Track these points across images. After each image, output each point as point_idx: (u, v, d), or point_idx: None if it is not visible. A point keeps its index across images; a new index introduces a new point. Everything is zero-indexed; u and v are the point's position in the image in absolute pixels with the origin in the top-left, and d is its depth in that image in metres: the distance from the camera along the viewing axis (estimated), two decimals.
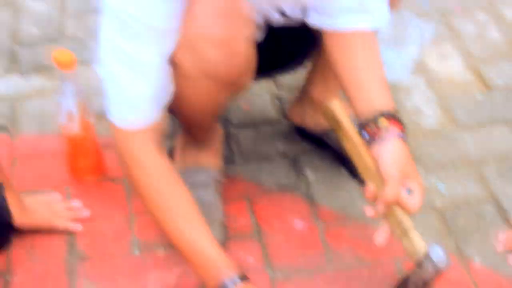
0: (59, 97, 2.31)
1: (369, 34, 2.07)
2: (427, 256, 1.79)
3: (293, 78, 2.62)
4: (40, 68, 2.82)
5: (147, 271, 2.14)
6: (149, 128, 1.97)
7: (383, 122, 1.89)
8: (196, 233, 1.97)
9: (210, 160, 2.38)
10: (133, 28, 1.87)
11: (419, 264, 1.79)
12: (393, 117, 1.90)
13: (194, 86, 2.04)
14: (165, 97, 1.98)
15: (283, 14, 2.20)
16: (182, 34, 1.95)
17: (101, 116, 2.15)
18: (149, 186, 2.01)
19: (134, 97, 1.96)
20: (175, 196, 2.01)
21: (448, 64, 2.82)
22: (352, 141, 1.99)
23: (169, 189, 2.01)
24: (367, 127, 1.90)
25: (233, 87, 2.11)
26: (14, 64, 2.87)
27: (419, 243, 1.81)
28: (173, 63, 1.98)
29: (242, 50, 2.00)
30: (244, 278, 1.89)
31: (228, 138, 2.54)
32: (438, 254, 1.79)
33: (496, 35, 2.95)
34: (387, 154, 1.87)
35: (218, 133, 2.43)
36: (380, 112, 1.89)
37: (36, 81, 2.79)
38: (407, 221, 1.83)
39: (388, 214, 1.90)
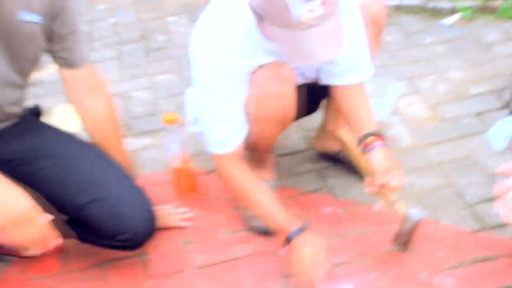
0: (167, 143, 2.49)
1: (360, 84, 2.26)
2: (407, 214, 2.09)
3: (311, 121, 2.73)
4: (146, 132, 2.96)
5: (232, 245, 2.34)
6: (235, 152, 2.18)
7: (370, 138, 2.15)
8: (272, 208, 2.18)
9: (268, 174, 2.52)
10: (221, 95, 2.08)
11: (404, 219, 2.11)
12: (377, 134, 2.16)
13: (260, 126, 2.22)
14: (244, 132, 2.17)
15: (303, 76, 2.31)
16: (250, 92, 2.12)
17: (195, 154, 2.56)
18: (240, 186, 2.22)
19: (225, 136, 2.16)
20: (259, 190, 2.22)
21: (413, 108, 2.91)
22: (354, 154, 2.29)
23: (254, 186, 2.21)
24: (362, 143, 2.17)
25: (284, 124, 2.27)
26: (129, 131, 2.97)
27: (402, 208, 2.11)
28: (246, 111, 2.16)
29: (289, 102, 2.17)
30: (302, 229, 2.11)
31: (276, 163, 2.62)
32: (415, 213, 2.10)
33: (444, 88, 3.01)
34: (374, 157, 2.14)
35: (272, 158, 2.57)
36: (368, 132, 2.16)
37: (144, 141, 2.92)
38: (392, 196, 2.12)
39: (381, 193, 2.15)
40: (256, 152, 2.46)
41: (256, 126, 2.23)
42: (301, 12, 1.71)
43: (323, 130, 2.64)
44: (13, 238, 1.81)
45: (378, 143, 2.16)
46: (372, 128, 2.19)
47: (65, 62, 2.15)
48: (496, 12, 3.45)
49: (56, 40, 2.08)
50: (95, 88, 2.24)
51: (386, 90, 3.03)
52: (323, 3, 1.72)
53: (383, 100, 2.97)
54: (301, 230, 2.12)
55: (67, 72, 2.16)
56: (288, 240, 2.12)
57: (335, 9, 1.81)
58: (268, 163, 2.55)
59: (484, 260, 2.13)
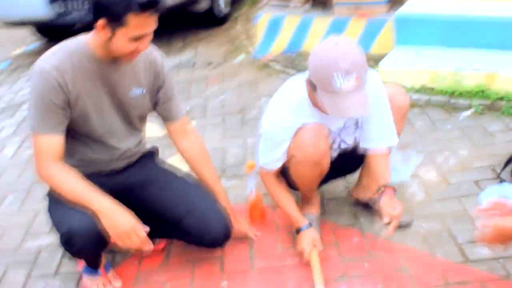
0: (247, 183, 2.69)
1: (386, 149, 2.42)
2: None
3: (351, 178, 2.83)
4: (235, 175, 3.14)
5: (283, 258, 2.49)
6: (273, 171, 2.43)
7: (381, 188, 2.34)
8: (291, 208, 2.47)
9: (312, 209, 2.63)
10: (273, 141, 2.34)
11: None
12: (387, 186, 2.34)
13: (301, 166, 2.35)
14: (280, 164, 2.39)
15: (344, 143, 2.47)
16: (294, 141, 2.31)
17: (266, 193, 2.63)
18: (273, 190, 2.48)
19: (271, 162, 2.39)
20: (284, 195, 2.48)
21: (428, 174, 2.95)
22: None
23: (281, 192, 2.48)
24: (376, 192, 2.35)
25: (317, 168, 2.35)
26: (224, 174, 3.18)
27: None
28: (290, 155, 2.36)
29: (321, 151, 2.30)
30: (310, 225, 2.44)
31: (322, 203, 2.80)
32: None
33: (453, 161, 3.02)
34: (383, 200, 2.30)
35: (317, 197, 2.66)
36: (381, 185, 2.36)
37: (233, 182, 3.09)
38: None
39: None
40: (302, 191, 2.59)
41: (297, 166, 2.38)
42: (341, 82, 1.99)
43: (358, 185, 2.73)
44: (124, 243, 2.08)
45: (387, 191, 2.34)
46: (385, 182, 2.37)
47: (167, 117, 2.41)
48: (500, 110, 3.46)
49: (160, 104, 2.35)
50: (188, 132, 2.46)
51: (409, 159, 3.09)
52: (356, 78, 1.99)
53: (406, 167, 3.02)
54: (309, 225, 2.43)
55: (169, 124, 2.43)
56: (299, 231, 2.43)
57: (364, 84, 2.05)
58: (313, 201, 2.64)
59: (461, 283, 2.24)
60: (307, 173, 2.41)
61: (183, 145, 2.43)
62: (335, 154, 2.51)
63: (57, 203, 2.15)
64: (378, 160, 2.44)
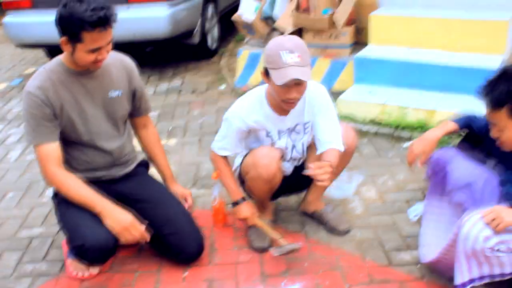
0: (213, 191, 2.79)
1: (336, 149, 2.46)
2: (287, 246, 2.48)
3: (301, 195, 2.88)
4: (205, 185, 3.22)
5: (238, 255, 2.59)
6: (223, 157, 2.55)
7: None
8: (230, 180, 2.58)
9: (265, 215, 2.72)
10: (228, 128, 2.49)
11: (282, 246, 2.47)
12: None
13: (255, 182, 2.50)
14: (229, 153, 2.54)
15: (295, 152, 2.57)
16: (248, 158, 2.48)
17: (228, 201, 2.70)
18: (219, 166, 2.58)
19: (219, 148, 2.54)
20: (227, 170, 2.57)
21: (368, 193, 3.08)
22: (265, 229, 2.58)
23: (226, 168, 2.58)
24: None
25: (268, 185, 2.49)
26: (195, 185, 3.30)
27: (284, 242, 2.48)
28: (245, 171, 2.52)
29: (273, 172, 2.45)
30: (245, 199, 2.56)
31: (276, 212, 2.89)
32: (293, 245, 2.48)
33: (391, 183, 3.17)
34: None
35: (269, 205, 2.76)
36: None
37: (202, 191, 3.19)
38: (277, 236, 2.50)
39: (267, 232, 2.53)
40: (256, 200, 2.70)
41: (251, 181, 2.54)
42: (286, 58, 2.21)
43: (304, 200, 2.85)
44: (125, 238, 2.23)
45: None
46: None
47: (136, 113, 2.58)
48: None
49: (134, 102, 2.51)
50: (147, 125, 2.66)
51: (352, 179, 3.25)
52: (299, 56, 2.21)
53: (349, 185, 3.18)
54: (244, 200, 2.59)
55: (135, 117, 2.58)
56: (235, 204, 2.59)
57: (306, 64, 2.25)
58: (266, 209, 2.75)
59: (383, 281, 2.42)
60: (259, 187, 2.57)
61: (142, 134, 2.63)
62: (290, 168, 2.66)
63: (66, 207, 2.28)
64: (327, 152, 2.48)
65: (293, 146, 2.61)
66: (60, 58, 2.25)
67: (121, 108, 2.41)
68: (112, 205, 2.22)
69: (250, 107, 2.46)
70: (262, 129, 2.53)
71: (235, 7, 6.78)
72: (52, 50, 6.14)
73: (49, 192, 3.35)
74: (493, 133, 2.12)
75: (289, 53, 2.21)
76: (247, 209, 2.59)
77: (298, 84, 2.31)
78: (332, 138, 2.46)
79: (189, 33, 5.59)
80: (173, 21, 5.26)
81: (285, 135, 2.56)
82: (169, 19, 5.21)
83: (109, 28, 2.10)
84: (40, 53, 6.71)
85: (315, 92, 2.52)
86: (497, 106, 2.03)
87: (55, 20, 2.11)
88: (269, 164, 2.43)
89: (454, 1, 4.49)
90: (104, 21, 2.05)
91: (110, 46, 2.18)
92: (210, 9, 6.09)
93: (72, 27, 2.05)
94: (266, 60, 2.29)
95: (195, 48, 5.94)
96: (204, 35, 5.90)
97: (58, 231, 2.89)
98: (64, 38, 2.11)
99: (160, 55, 6.23)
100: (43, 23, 5.19)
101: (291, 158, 2.65)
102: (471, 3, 4.43)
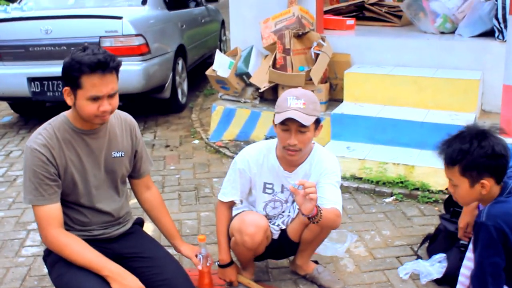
0: (199, 255, 2.60)
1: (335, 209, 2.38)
2: None
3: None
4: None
5: None
6: (228, 202, 2.60)
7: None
8: (223, 240, 2.61)
9: (247, 274, 2.75)
10: (234, 170, 2.56)
11: None
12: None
13: (239, 247, 2.57)
14: (235, 198, 2.56)
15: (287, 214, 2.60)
16: (237, 225, 2.49)
17: (214, 262, 2.67)
18: (217, 221, 2.62)
19: (223, 193, 2.59)
20: (223, 227, 2.60)
21: (358, 249, 3.11)
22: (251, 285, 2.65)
23: (221, 224, 2.61)
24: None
25: (252, 252, 2.56)
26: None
27: None
28: (231, 233, 2.54)
29: (259, 240, 2.49)
30: (233, 262, 2.64)
31: (267, 271, 2.89)
32: None
33: (378, 239, 3.20)
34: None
35: (252, 266, 2.78)
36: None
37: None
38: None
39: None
40: (240, 259, 2.74)
41: (235, 245, 2.57)
42: (291, 103, 2.31)
43: (294, 263, 2.85)
44: None
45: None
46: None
47: (136, 175, 2.54)
48: (417, 198, 3.70)
49: (134, 162, 2.47)
50: (150, 186, 2.61)
51: (346, 238, 3.24)
52: (304, 104, 2.30)
53: (342, 244, 3.18)
54: (232, 263, 2.65)
55: (135, 180, 2.55)
56: (223, 266, 2.64)
57: (310, 112, 2.32)
58: (249, 269, 2.77)
59: None
60: (242, 252, 2.62)
61: (145, 197, 2.58)
62: (276, 234, 2.66)
63: (66, 268, 2.17)
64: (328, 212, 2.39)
65: (293, 201, 2.63)
66: (65, 115, 2.22)
67: (121, 168, 2.37)
68: (119, 269, 2.15)
69: (257, 152, 2.56)
70: (259, 182, 2.56)
71: (200, 63, 7.00)
72: (14, 104, 6.05)
73: (26, 250, 3.23)
74: (449, 188, 2.21)
75: (295, 99, 2.33)
76: (233, 273, 2.65)
77: (300, 132, 2.36)
78: (334, 199, 2.44)
79: (160, 87, 5.61)
80: (146, 75, 5.28)
81: (287, 192, 2.59)
82: (143, 73, 5.23)
83: (110, 74, 2.06)
84: (3, 104, 6.55)
85: (325, 156, 2.56)
86: (450, 163, 2.12)
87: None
88: (255, 233, 2.46)
89: (424, 60, 4.72)
90: (104, 65, 2.03)
91: (115, 100, 2.14)
92: (181, 64, 6.14)
93: (72, 72, 2.04)
94: (276, 106, 2.41)
95: (166, 103, 5.94)
96: (174, 89, 5.91)
97: None
98: (66, 88, 2.09)
99: (130, 109, 6.14)
100: (8, 75, 5.18)
101: (287, 215, 2.66)
102: (441, 62, 4.66)
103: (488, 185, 2.10)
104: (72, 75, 2.04)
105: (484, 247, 2.07)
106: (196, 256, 2.56)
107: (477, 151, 2.04)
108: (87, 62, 2.01)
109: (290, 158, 2.45)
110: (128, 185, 2.58)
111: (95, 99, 2.06)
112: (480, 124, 2.19)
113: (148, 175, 2.59)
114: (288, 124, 2.33)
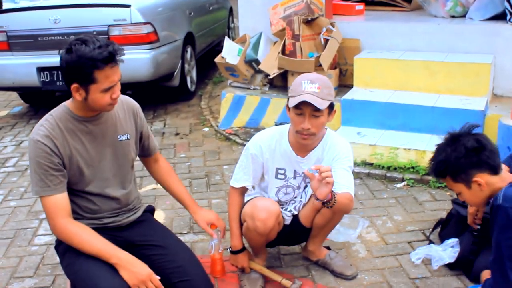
0: (210, 241, 2.70)
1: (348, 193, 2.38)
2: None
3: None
4: (201, 232, 3.11)
5: None
6: (240, 188, 2.59)
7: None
8: (235, 226, 2.61)
9: (259, 261, 2.74)
10: (246, 156, 2.56)
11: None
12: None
13: (251, 232, 2.55)
14: (251, 183, 2.57)
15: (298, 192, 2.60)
16: (249, 210, 2.48)
17: (226, 249, 2.76)
18: (229, 207, 2.63)
19: (236, 179, 2.58)
20: (235, 213, 2.60)
21: (370, 235, 3.11)
22: (266, 272, 2.65)
23: (233, 210, 2.62)
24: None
25: (264, 237, 2.54)
26: (191, 230, 3.24)
27: (287, 283, 2.52)
28: (243, 219, 2.54)
29: (271, 225, 2.48)
30: (245, 249, 2.62)
31: (279, 257, 2.91)
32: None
33: (390, 225, 3.20)
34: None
35: (265, 252, 2.77)
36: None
37: (199, 236, 3.17)
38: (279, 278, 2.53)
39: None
40: (251, 246, 2.74)
41: (247, 231, 2.56)
42: (305, 86, 2.30)
43: (306, 249, 2.87)
44: None
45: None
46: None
47: (146, 154, 2.59)
48: (428, 183, 3.69)
49: (141, 143, 2.50)
50: (158, 158, 2.65)
51: (358, 223, 3.25)
52: (319, 88, 2.29)
53: (354, 230, 3.19)
54: (244, 249, 2.63)
55: (146, 158, 2.60)
56: (235, 252, 2.64)
57: (325, 96, 2.30)
58: (261, 255, 2.77)
59: None
60: (254, 238, 2.61)
61: (154, 169, 2.65)
62: (289, 219, 2.65)
63: (76, 257, 2.18)
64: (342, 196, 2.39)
65: (305, 186, 2.63)
66: (66, 104, 2.22)
67: (129, 151, 2.39)
68: (128, 256, 2.16)
69: (270, 138, 2.55)
70: (272, 167, 2.55)
71: (209, 50, 6.98)
72: (24, 94, 6.07)
73: (39, 239, 3.26)
74: (459, 197, 2.29)
75: (310, 83, 2.31)
76: (245, 259, 2.64)
77: (314, 116, 2.35)
78: (346, 183, 2.43)
79: (169, 75, 5.60)
80: (155, 63, 5.28)
81: (300, 177, 2.58)
82: (151, 61, 5.23)
83: (119, 63, 2.09)
84: (13, 94, 6.58)
85: (337, 141, 2.55)
86: (440, 177, 2.24)
87: (62, 69, 2.09)
88: (267, 218, 2.45)
89: (435, 45, 4.67)
90: (114, 56, 2.06)
91: (119, 84, 2.16)
92: (189, 52, 6.12)
93: (84, 69, 2.03)
94: (290, 90, 2.40)
95: (175, 90, 5.94)
96: (183, 77, 5.90)
97: (53, 282, 2.80)
98: (75, 85, 2.08)
99: (139, 97, 6.16)
100: (18, 65, 5.22)
101: (299, 201, 2.66)
102: (451, 46, 4.62)
103: (483, 181, 2.12)
104: (85, 72, 2.04)
105: (502, 230, 2.05)
106: (211, 228, 2.61)
107: (453, 155, 2.13)
108: (99, 58, 2.02)
109: (303, 142, 2.43)
110: (137, 173, 2.59)
111: (108, 89, 2.09)
112: (457, 128, 2.24)
113: (158, 152, 2.64)
114: (302, 108, 2.33)
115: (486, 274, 2.37)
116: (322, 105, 2.32)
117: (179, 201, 2.66)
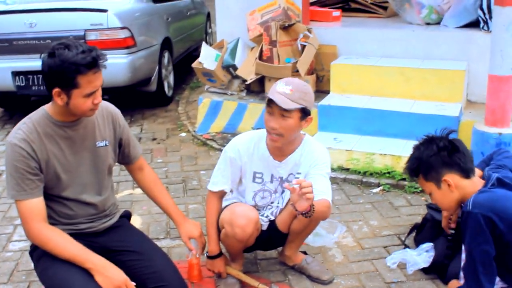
0: (189, 247, 2.61)
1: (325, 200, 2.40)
2: None
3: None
4: (178, 237, 2.77)
5: None
6: (218, 192, 2.59)
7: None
8: (212, 231, 2.59)
9: (236, 266, 2.73)
10: (224, 159, 2.56)
11: None
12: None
13: (229, 239, 2.55)
14: (226, 187, 2.56)
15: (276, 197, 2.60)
16: (227, 217, 2.48)
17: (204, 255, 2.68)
18: (207, 212, 2.61)
19: (213, 183, 2.58)
20: (212, 218, 2.59)
21: (346, 240, 3.12)
22: (242, 277, 2.65)
23: (211, 214, 2.60)
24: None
25: (245, 243, 2.55)
26: (168, 235, 3.24)
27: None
28: (221, 225, 2.53)
29: (250, 232, 2.49)
30: (222, 254, 2.62)
31: (256, 262, 2.91)
32: None
33: (366, 229, 3.21)
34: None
35: (241, 258, 2.77)
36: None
37: (176, 241, 3.13)
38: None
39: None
40: (229, 251, 2.73)
41: (225, 237, 2.56)
42: (279, 86, 2.34)
43: (283, 254, 2.86)
44: None
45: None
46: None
47: (128, 162, 2.55)
48: (404, 188, 3.73)
49: (122, 150, 2.47)
50: (143, 167, 2.62)
51: (335, 228, 3.26)
52: (291, 90, 2.32)
53: (331, 235, 3.19)
54: (220, 254, 2.63)
55: (129, 165, 2.56)
56: (212, 257, 2.62)
57: (296, 99, 2.32)
58: (238, 260, 2.77)
59: None
60: (233, 244, 2.61)
61: (139, 178, 2.60)
62: (265, 225, 2.65)
63: (51, 262, 2.16)
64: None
65: (282, 191, 2.63)
66: (45, 108, 2.20)
67: (107, 158, 2.36)
68: (103, 261, 2.13)
69: (248, 141, 2.56)
70: (250, 171, 2.55)
71: (186, 56, 6.97)
72: None
73: (13, 245, 3.22)
74: (431, 199, 2.38)
75: (284, 84, 2.35)
76: (221, 264, 2.63)
77: (282, 116, 2.37)
78: (324, 190, 2.44)
79: (147, 80, 5.58)
80: (132, 68, 5.26)
81: (277, 182, 2.59)
82: (129, 66, 5.21)
83: (101, 69, 2.09)
84: None
85: (316, 147, 2.57)
86: (413, 175, 2.34)
87: (43, 73, 2.07)
88: (246, 225, 2.46)
89: (410, 51, 4.74)
90: (97, 61, 2.05)
91: (101, 90, 2.15)
92: (167, 57, 6.11)
93: (67, 73, 2.02)
94: (269, 93, 2.40)
95: (152, 96, 5.92)
96: (161, 83, 5.88)
97: None
98: (56, 90, 2.07)
99: (116, 102, 6.11)
100: None
101: (276, 206, 2.66)
102: (427, 53, 4.69)
103: (452, 182, 2.16)
104: (68, 77, 2.03)
105: (473, 236, 2.09)
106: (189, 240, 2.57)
107: (425, 153, 2.21)
108: (83, 63, 2.02)
109: (274, 144, 2.45)
110: (114, 179, 2.57)
111: (90, 94, 2.08)
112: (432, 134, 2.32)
113: (141, 158, 2.59)
114: (272, 107, 2.36)
115: (454, 284, 2.41)
116: (289, 105, 2.32)
117: (165, 211, 2.63)
